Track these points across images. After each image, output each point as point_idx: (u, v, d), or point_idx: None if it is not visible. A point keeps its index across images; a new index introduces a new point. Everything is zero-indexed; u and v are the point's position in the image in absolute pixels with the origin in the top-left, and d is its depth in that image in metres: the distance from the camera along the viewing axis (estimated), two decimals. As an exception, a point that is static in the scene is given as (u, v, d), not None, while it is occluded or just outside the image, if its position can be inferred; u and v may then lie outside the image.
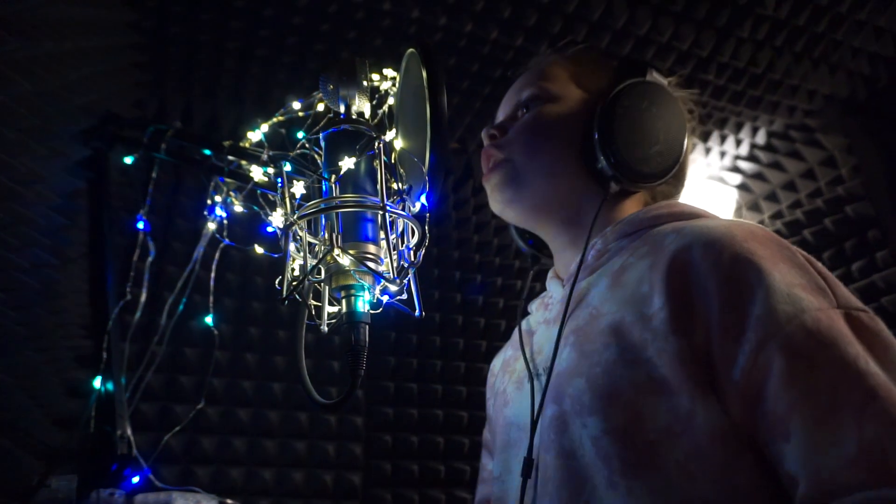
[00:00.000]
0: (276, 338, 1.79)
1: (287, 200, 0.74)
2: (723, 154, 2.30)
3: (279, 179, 0.88)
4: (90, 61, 1.46)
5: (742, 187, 2.40)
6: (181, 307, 1.18)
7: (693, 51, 1.84)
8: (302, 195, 0.81)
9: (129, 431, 1.02)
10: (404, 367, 1.95)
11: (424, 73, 0.76)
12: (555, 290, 0.86)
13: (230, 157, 1.16)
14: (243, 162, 1.21)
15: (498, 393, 0.89)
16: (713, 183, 2.43)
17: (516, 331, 0.95)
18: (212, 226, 1.12)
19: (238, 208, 1.07)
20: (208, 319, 1.14)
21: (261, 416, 1.71)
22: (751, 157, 2.29)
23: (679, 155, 0.80)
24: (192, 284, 1.28)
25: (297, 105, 1.12)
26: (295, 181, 0.76)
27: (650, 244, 0.72)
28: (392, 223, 0.79)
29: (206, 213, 1.15)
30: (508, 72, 1.86)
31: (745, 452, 0.60)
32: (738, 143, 2.25)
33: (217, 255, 1.15)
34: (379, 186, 0.72)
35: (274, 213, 1.00)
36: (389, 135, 0.75)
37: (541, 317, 0.87)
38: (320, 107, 1.10)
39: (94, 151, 1.32)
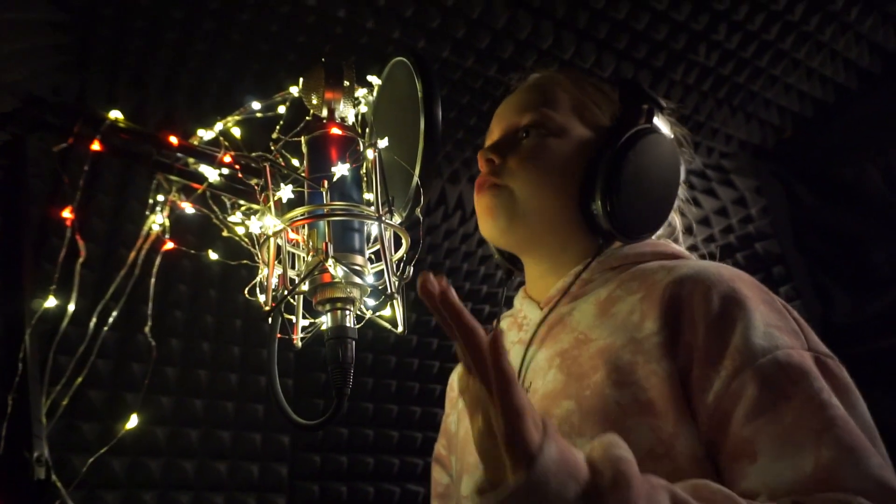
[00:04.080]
0: (200, 350, 1.67)
1: (272, 204, 0.70)
2: (646, 187, 2.44)
3: (255, 182, 0.82)
4: (9, 38, 1.31)
5: (661, 219, 2.55)
6: (112, 317, 1.07)
7: (630, 88, 1.94)
8: (280, 200, 0.76)
9: (46, 454, 0.90)
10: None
11: (419, 84, 0.74)
12: (530, 313, 0.86)
13: (178, 155, 1.08)
14: (190, 160, 1.12)
15: (465, 409, 0.87)
16: (635, 214, 2.57)
17: None
18: (156, 227, 1.02)
19: (189, 210, 0.99)
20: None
21: (179, 435, 1.58)
22: (671, 192, 2.44)
23: (670, 209, 0.82)
24: (113, 292, 1.16)
25: (257, 105, 1.06)
26: (282, 185, 0.71)
27: (640, 280, 0.75)
28: (370, 235, 0.76)
29: (147, 213, 1.05)
30: (479, 103, 1.88)
31: (717, 475, 0.63)
32: (661, 177, 2.40)
33: (158, 260, 1.05)
34: (375, 195, 0.69)
35: (236, 216, 0.94)
36: (382, 143, 0.72)
37: (514, 336, 0.86)
38: (281, 109, 1.05)
39: (11, 136, 1.18)
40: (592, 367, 0.69)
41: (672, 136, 0.84)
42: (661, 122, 0.82)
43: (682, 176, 0.85)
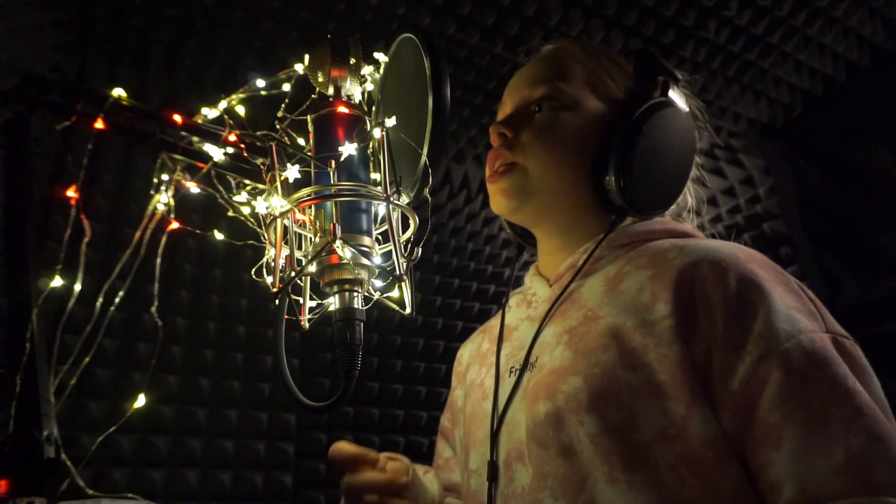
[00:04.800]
0: (206, 330, 1.67)
1: (279, 185, 0.69)
2: (652, 167, 2.42)
3: (262, 162, 0.81)
4: (8, 14, 1.29)
5: (667, 200, 2.53)
6: (119, 297, 1.06)
7: (638, 66, 1.91)
8: (286, 180, 0.75)
9: (56, 433, 0.90)
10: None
11: (427, 62, 0.73)
12: (539, 289, 0.86)
13: (183, 133, 1.06)
14: (195, 139, 1.11)
15: (473, 385, 0.87)
16: (641, 194, 2.55)
17: (493, 323, 0.93)
18: (160, 207, 1.01)
19: (194, 189, 0.98)
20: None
21: (186, 414, 1.59)
22: (677, 172, 2.42)
23: (683, 185, 0.81)
24: (119, 271, 1.16)
25: (261, 83, 1.05)
26: (289, 165, 0.70)
27: (648, 256, 0.74)
28: (376, 215, 0.76)
29: (151, 192, 1.05)
30: (485, 81, 1.85)
31: (731, 459, 0.63)
32: (668, 157, 2.37)
33: (164, 240, 1.04)
34: (382, 175, 0.68)
35: (241, 196, 0.93)
36: (390, 121, 0.71)
37: (523, 313, 0.86)
38: (286, 87, 1.03)
39: (14, 115, 1.17)
40: (602, 345, 0.69)
41: (687, 110, 0.83)
42: (676, 95, 0.80)
43: (697, 149, 0.84)
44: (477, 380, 0.86)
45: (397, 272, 0.65)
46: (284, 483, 1.69)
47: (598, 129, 0.79)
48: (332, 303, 0.68)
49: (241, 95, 1.05)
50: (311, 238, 0.72)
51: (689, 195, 0.89)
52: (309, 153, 0.73)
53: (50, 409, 0.93)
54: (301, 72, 0.95)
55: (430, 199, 0.70)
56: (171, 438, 1.56)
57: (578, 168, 0.79)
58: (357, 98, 0.82)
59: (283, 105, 0.88)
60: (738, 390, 0.62)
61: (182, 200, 1.06)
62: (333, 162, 0.67)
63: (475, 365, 0.89)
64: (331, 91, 0.79)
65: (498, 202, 0.82)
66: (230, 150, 1.01)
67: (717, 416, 0.63)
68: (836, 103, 2.11)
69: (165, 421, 1.56)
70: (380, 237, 0.73)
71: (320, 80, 0.81)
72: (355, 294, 0.66)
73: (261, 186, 0.85)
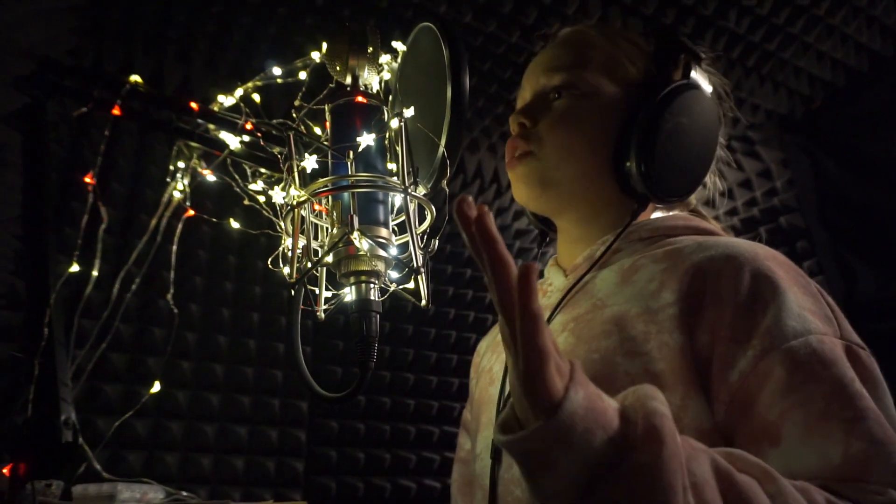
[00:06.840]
0: (220, 316, 1.68)
1: (296, 175, 0.68)
2: (668, 158, 2.39)
3: (279, 151, 0.81)
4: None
5: (682, 191, 2.50)
6: (135, 283, 1.07)
7: (656, 55, 1.88)
8: (304, 171, 0.74)
9: (73, 416, 0.91)
10: (353, 352, 1.90)
11: (447, 52, 0.72)
12: (555, 279, 0.85)
13: (199, 121, 1.06)
14: (211, 126, 1.11)
15: (483, 371, 0.88)
16: (656, 185, 2.52)
17: None
18: (176, 194, 1.02)
19: (210, 177, 0.98)
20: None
21: (200, 399, 1.61)
22: (693, 163, 2.39)
23: (707, 171, 0.79)
24: (135, 257, 1.16)
25: (277, 70, 1.04)
26: (307, 154, 0.70)
27: (666, 252, 0.73)
28: (392, 205, 0.75)
29: (168, 179, 1.05)
30: (500, 70, 1.84)
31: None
32: (684, 148, 2.34)
33: (180, 228, 1.04)
34: (399, 166, 0.67)
35: (257, 184, 0.93)
36: (408, 112, 0.70)
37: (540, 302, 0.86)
38: (302, 75, 1.03)
39: (32, 100, 1.17)
40: (604, 331, 0.68)
41: (711, 90, 0.81)
42: (698, 76, 0.78)
43: (721, 133, 0.81)
44: (487, 366, 0.87)
45: (414, 264, 0.65)
46: (296, 469, 1.71)
47: (618, 114, 0.77)
48: (348, 293, 0.68)
49: (258, 83, 1.05)
50: (327, 228, 0.71)
51: (718, 182, 0.87)
52: (326, 143, 0.73)
53: (67, 394, 0.94)
54: (317, 60, 0.94)
55: (447, 190, 0.69)
56: (185, 423, 1.57)
57: (599, 156, 0.77)
58: (374, 87, 0.81)
59: (299, 93, 0.88)
60: (735, 382, 0.60)
61: (198, 188, 1.06)
62: (351, 152, 0.67)
63: (489, 353, 0.90)
64: (348, 80, 0.78)
65: (518, 189, 0.82)
66: (246, 138, 1.01)
67: (711, 407, 0.62)
68: (857, 95, 2.07)
69: (180, 406, 1.58)
70: (395, 228, 0.73)
71: (338, 69, 0.80)
72: (372, 285, 0.66)
73: (277, 175, 0.85)
